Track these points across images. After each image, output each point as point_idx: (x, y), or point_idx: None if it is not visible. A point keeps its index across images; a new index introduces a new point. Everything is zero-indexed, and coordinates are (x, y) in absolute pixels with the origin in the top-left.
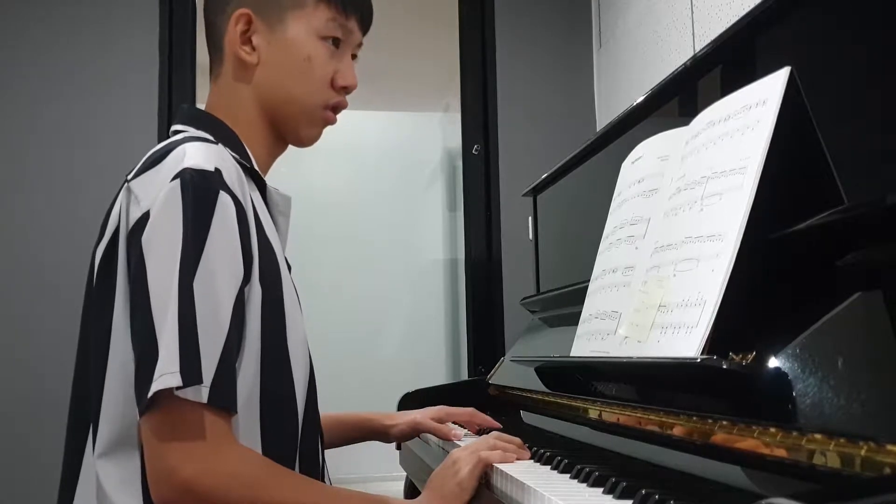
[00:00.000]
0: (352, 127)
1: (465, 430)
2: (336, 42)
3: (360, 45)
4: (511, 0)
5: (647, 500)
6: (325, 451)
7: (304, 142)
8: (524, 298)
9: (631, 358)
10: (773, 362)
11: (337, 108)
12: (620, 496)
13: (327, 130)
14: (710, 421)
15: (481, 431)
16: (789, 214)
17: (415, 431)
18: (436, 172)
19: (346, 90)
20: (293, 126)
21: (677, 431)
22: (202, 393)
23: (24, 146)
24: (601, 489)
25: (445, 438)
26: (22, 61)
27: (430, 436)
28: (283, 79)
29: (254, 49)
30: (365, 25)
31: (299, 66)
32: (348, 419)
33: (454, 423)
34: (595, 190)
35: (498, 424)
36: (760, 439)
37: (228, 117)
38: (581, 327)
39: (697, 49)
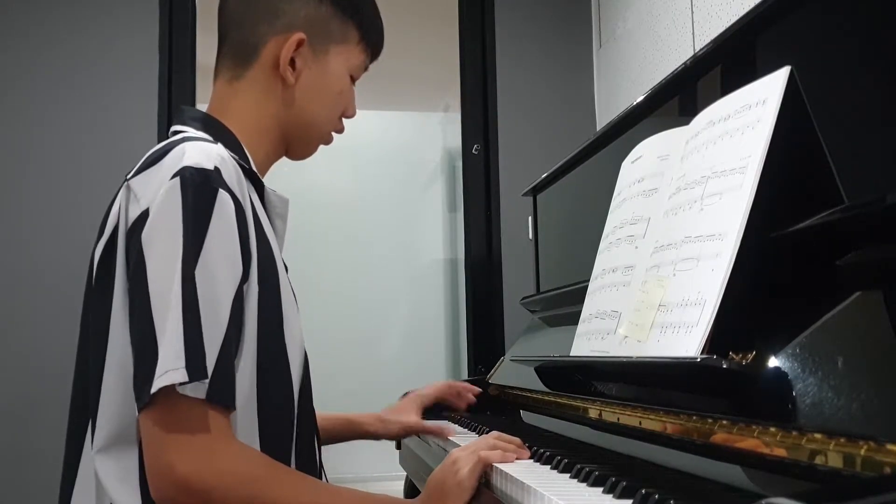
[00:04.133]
0: (352, 127)
1: (468, 431)
2: (353, 80)
3: None
4: (511, 0)
5: (647, 500)
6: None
7: (304, 158)
8: (524, 298)
9: (631, 357)
10: (773, 362)
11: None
12: (620, 496)
13: None
14: (710, 421)
15: (480, 431)
16: (789, 214)
17: (407, 433)
18: (436, 172)
19: (347, 118)
20: (304, 145)
21: (677, 431)
22: (202, 389)
23: (24, 146)
24: (601, 489)
25: (441, 435)
26: (22, 61)
27: (429, 436)
28: (314, 105)
29: (294, 70)
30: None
31: (331, 98)
32: (336, 419)
33: (444, 405)
34: (595, 190)
35: (475, 388)
36: (760, 439)
37: (234, 120)
38: (581, 327)
39: (697, 49)
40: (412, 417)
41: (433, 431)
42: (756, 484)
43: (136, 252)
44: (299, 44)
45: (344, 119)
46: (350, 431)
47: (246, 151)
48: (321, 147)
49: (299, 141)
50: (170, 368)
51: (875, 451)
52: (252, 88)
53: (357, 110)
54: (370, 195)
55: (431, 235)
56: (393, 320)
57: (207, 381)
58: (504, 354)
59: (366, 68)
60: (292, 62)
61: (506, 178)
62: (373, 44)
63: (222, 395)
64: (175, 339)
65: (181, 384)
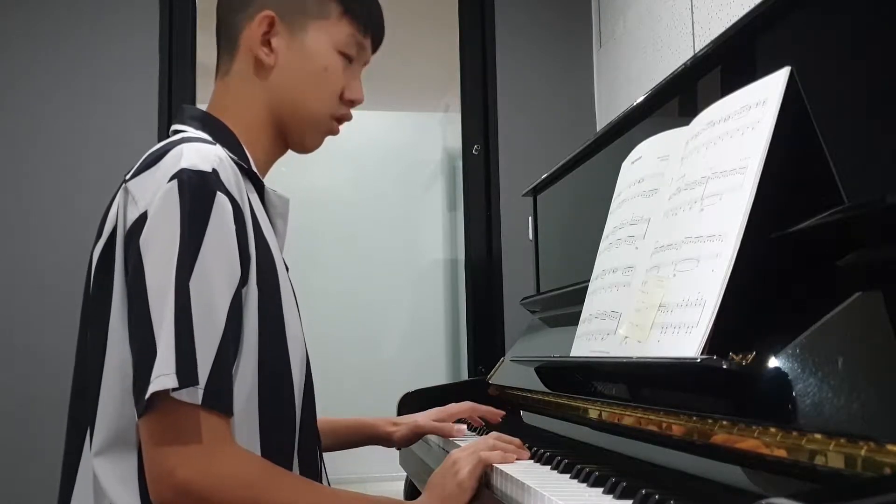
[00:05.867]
0: (352, 127)
1: (467, 430)
2: (349, 57)
3: (366, 62)
4: (511, 0)
5: (647, 500)
6: (325, 454)
7: (306, 148)
8: (524, 298)
9: (631, 358)
10: (773, 362)
11: (341, 120)
12: (620, 496)
13: None
14: (710, 421)
15: (481, 432)
16: (789, 214)
17: (417, 435)
18: (436, 172)
19: (353, 104)
20: (299, 132)
21: (677, 431)
22: (197, 394)
23: (24, 146)
24: (601, 489)
25: (449, 435)
26: (22, 61)
27: (430, 436)
28: (298, 84)
29: (272, 51)
30: (376, 45)
31: (315, 75)
32: (350, 424)
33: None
34: (595, 190)
35: (500, 412)
36: (760, 439)
37: (232, 117)
38: (581, 327)
39: (697, 49)
40: (422, 419)
41: (443, 431)
42: (756, 484)
43: (134, 256)
44: (271, 23)
45: (351, 107)
46: (363, 435)
47: (245, 150)
48: (322, 146)
49: (294, 128)
50: (162, 374)
51: (875, 452)
52: (240, 80)
53: (358, 110)
54: (370, 195)
55: (431, 235)
56: (393, 320)
57: (202, 386)
58: (504, 355)
59: (365, 47)
60: (268, 44)
61: (506, 178)
62: (360, 16)
63: (218, 401)
64: (168, 344)
65: (174, 390)
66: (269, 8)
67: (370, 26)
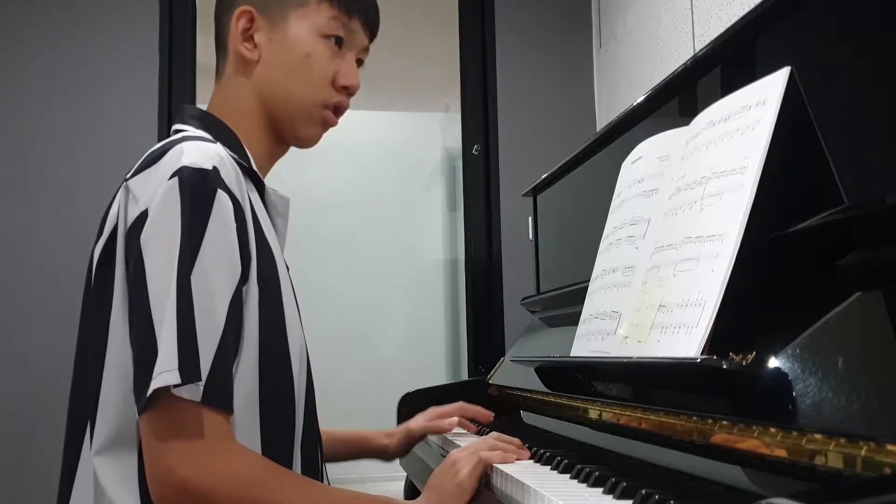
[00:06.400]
0: (352, 127)
1: (459, 428)
2: (339, 42)
3: (366, 50)
4: (511, 0)
5: (647, 500)
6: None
7: (304, 142)
8: (524, 298)
9: (631, 358)
10: (773, 362)
11: (338, 109)
12: (620, 496)
13: (328, 131)
14: (710, 421)
15: (481, 432)
16: (789, 214)
17: (411, 441)
18: (436, 172)
19: (348, 91)
20: (291, 125)
21: (677, 432)
22: (197, 391)
23: (24, 146)
24: (601, 489)
25: (443, 431)
26: (21, 61)
27: (430, 436)
28: (283, 76)
29: (255, 46)
30: (370, 29)
31: (299, 64)
32: (347, 437)
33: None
34: (595, 190)
35: (490, 413)
36: (760, 439)
37: (229, 117)
38: (581, 327)
39: (697, 49)
40: (413, 423)
41: (436, 428)
42: (756, 484)
43: (135, 254)
44: (250, 18)
45: (348, 95)
46: (358, 449)
47: (245, 149)
48: (322, 146)
49: (286, 120)
50: (164, 370)
51: (875, 452)
52: (232, 79)
53: (358, 110)
54: (370, 195)
55: (431, 235)
56: (393, 320)
57: (202, 383)
58: (504, 355)
59: (353, 29)
60: (251, 39)
61: (506, 178)
62: None
63: (218, 398)
64: (170, 341)
65: (175, 386)
66: (247, 3)
67: (353, 6)
